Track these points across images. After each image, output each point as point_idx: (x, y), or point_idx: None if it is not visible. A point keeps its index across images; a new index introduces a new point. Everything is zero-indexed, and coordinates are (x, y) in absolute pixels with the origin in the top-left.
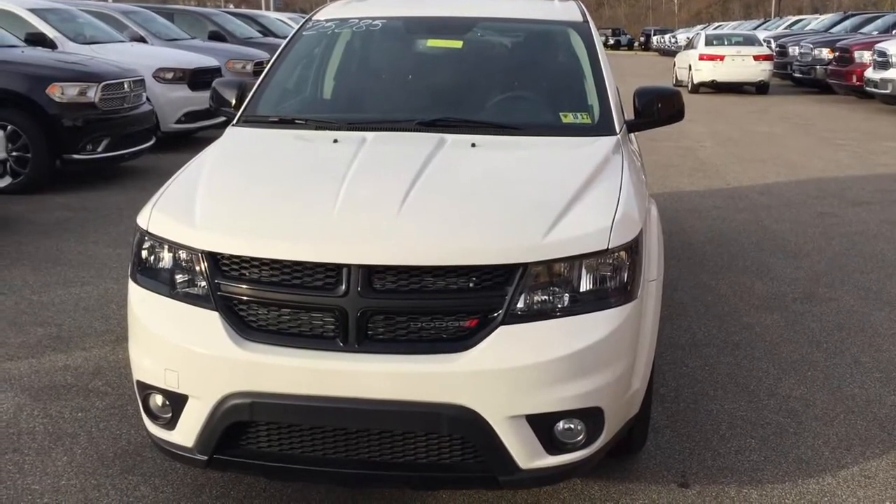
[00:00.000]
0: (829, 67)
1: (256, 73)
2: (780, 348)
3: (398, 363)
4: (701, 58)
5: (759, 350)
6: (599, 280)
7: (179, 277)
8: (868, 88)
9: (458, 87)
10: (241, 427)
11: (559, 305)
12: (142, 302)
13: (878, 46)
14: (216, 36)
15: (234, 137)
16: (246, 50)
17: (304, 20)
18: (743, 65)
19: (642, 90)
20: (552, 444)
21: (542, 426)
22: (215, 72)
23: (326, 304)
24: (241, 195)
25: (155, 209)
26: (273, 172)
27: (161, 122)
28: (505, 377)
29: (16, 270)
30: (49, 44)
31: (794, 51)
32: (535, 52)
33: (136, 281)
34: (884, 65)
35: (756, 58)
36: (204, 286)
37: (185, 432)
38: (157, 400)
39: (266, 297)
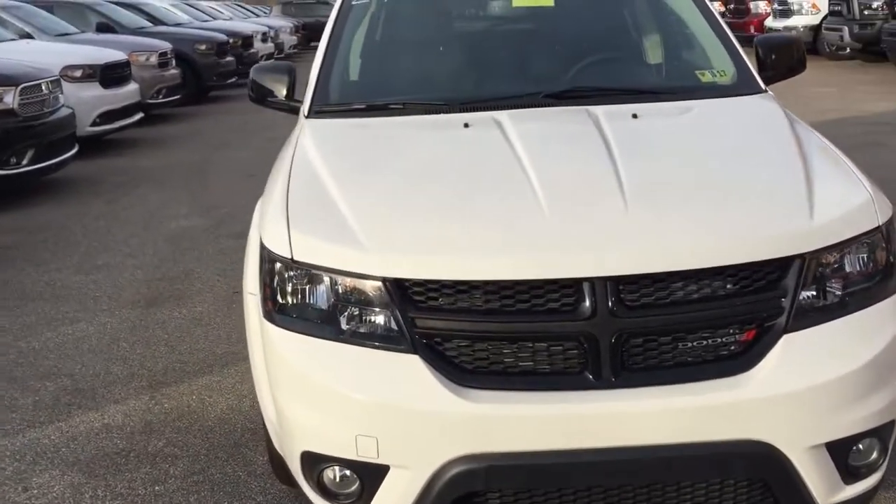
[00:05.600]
0: (724, 19)
1: (161, 66)
2: None
3: (671, 396)
4: None
5: None
6: (872, 265)
7: (350, 314)
8: None
9: (569, 52)
10: (467, 499)
11: (841, 301)
12: (299, 350)
13: None
14: (105, 28)
15: (327, 132)
16: (147, 41)
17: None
18: None
19: (761, 39)
20: (848, 471)
21: (841, 452)
22: (125, 66)
23: (568, 330)
24: (404, 203)
25: (294, 231)
26: (424, 171)
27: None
28: (804, 399)
29: None
30: None
31: None
32: (636, 7)
33: (277, 323)
34: (785, 13)
35: None
36: (390, 323)
37: None
38: (336, 473)
39: (482, 330)
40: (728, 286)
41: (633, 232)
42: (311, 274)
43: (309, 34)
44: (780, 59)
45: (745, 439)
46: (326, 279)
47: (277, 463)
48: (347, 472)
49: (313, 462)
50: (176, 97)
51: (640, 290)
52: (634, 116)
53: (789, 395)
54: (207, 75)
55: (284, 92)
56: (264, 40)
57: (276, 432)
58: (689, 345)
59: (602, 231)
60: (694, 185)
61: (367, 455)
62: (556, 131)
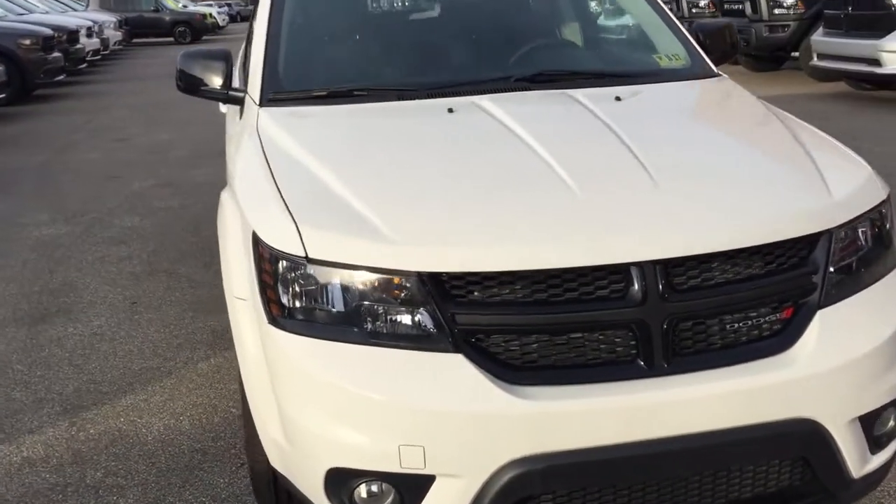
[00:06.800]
0: None
1: None
2: None
3: (723, 380)
4: None
5: None
6: (880, 237)
7: (377, 314)
8: None
9: (532, 35)
10: None
11: (860, 274)
12: (319, 358)
13: None
14: None
15: (293, 121)
16: None
17: None
18: None
19: (699, 25)
20: (874, 441)
21: (869, 423)
22: None
23: (619, 317)
24: (420, 192)
25: (305, 226)
26: (427, 158)
27: None
28: (845, 373)
29: None
30: None
31: None
32: None
33: (287, 329)
34: (619, 11)
35: None
36: (426, 322)
37: None
38: (364, 489)
39: (529, 323)
40: (766, 265)
41: (675, 214)
42: (328, 272)
43: (132, 29)
44: (716, 44)
45: (793, 418)
46: (348, 276)
47: (264, 484)
48: (374, 487)
49: (344, 479)
50: (1, 96)
51: (687, 273)
52: (618, 99)
53: (832, 370)
54: (34, 72)
55: (221, 81)
56: (89, 35)
57: (280, 450)
58: (734, 326)
59: (645, 214)
60: (712, 166)
61: (413, 466)
62: (550, 114)
